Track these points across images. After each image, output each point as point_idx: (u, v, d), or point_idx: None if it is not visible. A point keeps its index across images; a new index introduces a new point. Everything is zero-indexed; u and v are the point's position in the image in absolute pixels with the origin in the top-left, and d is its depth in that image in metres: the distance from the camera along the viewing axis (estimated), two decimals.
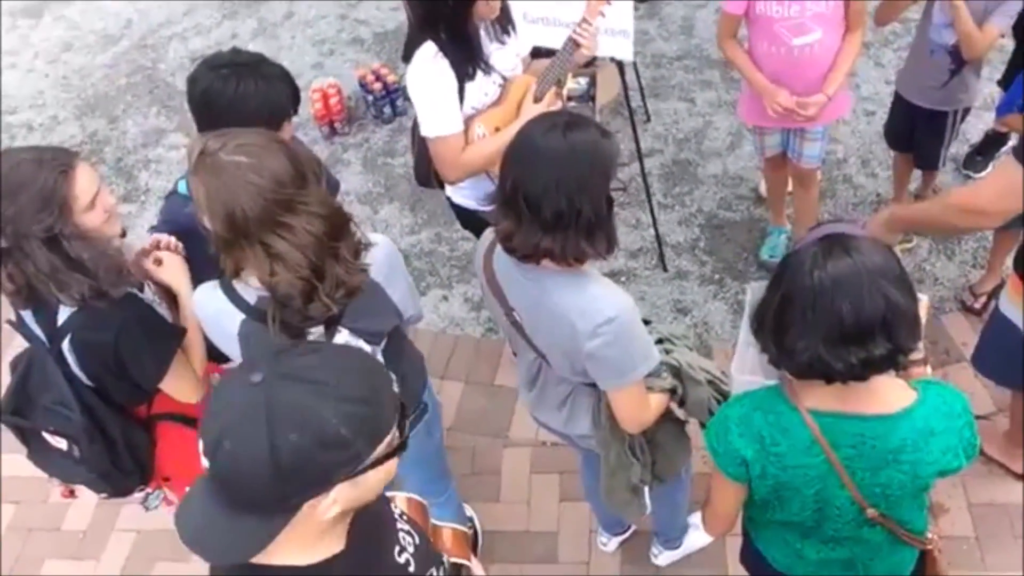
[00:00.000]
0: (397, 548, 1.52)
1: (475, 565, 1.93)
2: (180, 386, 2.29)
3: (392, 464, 1.31)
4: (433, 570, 1.61)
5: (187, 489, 1.32)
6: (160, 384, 2.25)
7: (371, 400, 1.25)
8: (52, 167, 1.98)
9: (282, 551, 1.29)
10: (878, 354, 1.56)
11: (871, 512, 1.75)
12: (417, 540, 1.59)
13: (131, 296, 2.16)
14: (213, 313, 2.03)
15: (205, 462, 1.21)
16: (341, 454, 1.22)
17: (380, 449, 1.26)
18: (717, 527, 2.01)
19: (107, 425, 2.24)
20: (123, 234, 2.24)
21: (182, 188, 2.45)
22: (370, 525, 1.41)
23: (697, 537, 2.99)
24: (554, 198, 1.80)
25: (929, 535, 1.90)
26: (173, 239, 2.32)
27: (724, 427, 1.79)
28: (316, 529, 1.30)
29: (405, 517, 1.63)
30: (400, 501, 1.79)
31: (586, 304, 1.90)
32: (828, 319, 1.55)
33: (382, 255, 2.04)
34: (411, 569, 1.52)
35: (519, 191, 1.83)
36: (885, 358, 1.58)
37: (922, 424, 1.67)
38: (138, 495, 2.49)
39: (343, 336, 1.99)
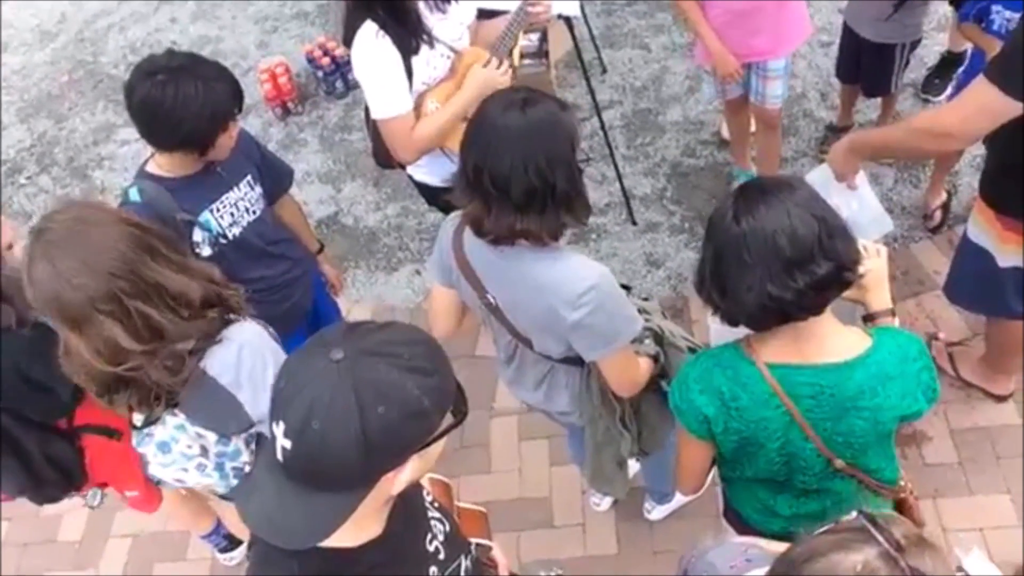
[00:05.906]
0: (429, 536, 1.54)
1: (496, 547, 1.95)
2: None
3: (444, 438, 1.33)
4: (462, 558, 1.62)
5: (246, 475, 1.30)
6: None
7: (439, 371, 1.26)
8: None
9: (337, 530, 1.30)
10: (822, 273, 1.58)
11: (838, 463, 1.77)
12: (447, 527, 1.61)
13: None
14: None
15: (286, 443, 1.19)
16: (422, 425, 1.24)
17: (446, 420, 1.28)
18: (688, 485, 2.04)
19: (21, 441, 2.20)
20: (10, 246, 2.23)
21: (134, 196, 2.39)
22: (406, 511, 1.43)
23: None
24: (522, 177, 1.78)
25: (901, 483, 1.92)
26: None
27: (685, 385, 1.81)
28: (372, 509, 1.31)
29: (436, 504, 1.64)
30: (423, 482, 1.78)
31: (565, 275, 1.90)
32: (767, 254, 1.58)
33: (231, 356, 1.97)
34: (440, 557, 1.54)
35: (483, 174, 1.81)
36: (832, 276, 1.60)
37: (876, 369, 1.69)
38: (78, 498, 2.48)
39: (177, 420, 2.04)
